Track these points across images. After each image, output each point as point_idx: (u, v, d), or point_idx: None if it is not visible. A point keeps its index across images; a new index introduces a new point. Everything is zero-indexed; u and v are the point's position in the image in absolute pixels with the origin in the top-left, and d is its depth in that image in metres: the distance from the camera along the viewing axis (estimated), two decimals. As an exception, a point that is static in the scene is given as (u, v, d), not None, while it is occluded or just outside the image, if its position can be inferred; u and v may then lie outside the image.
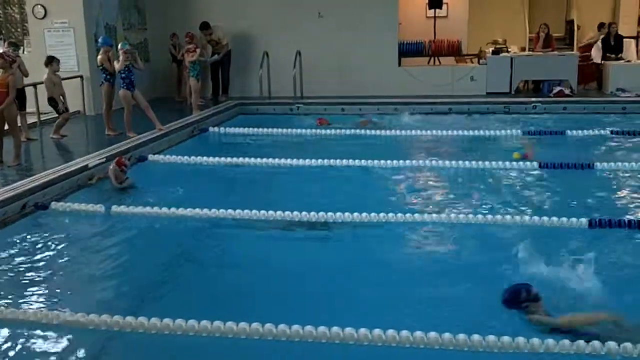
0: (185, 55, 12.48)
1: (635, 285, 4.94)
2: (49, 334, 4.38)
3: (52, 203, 7.07)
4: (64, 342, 4.30)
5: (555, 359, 3.92)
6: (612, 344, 3.90)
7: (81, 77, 12.29)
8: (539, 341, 3.97)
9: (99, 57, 10.37)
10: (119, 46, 10.23)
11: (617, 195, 7.41)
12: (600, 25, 14.47)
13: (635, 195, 7.36)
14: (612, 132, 10.31)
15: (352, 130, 10.95)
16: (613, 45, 13.90)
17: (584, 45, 14.80)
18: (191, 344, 4.24)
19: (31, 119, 10.67)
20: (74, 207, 7.02)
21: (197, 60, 12.17)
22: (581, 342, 3.93)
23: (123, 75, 9.99)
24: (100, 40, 10.86)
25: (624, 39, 14.13)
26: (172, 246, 6.11)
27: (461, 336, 4.02)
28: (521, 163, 8.39)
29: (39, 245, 6.07)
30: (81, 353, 4.21)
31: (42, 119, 11.01)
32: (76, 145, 9.68)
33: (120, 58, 9.93)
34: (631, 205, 6.97)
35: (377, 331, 4.11)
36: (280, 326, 4.20)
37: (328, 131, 10.99)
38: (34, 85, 10.56)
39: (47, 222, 6.74)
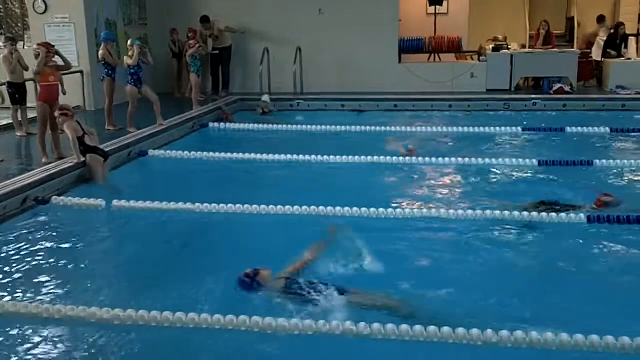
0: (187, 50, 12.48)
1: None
2: (50, 327, 4.38)
3: (53, 197, 7.08)
4: (64, 336, 4.32)
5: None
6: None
7: (81, 72, 12.29)
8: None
9: (100, 51, 10.36)
10: (129, 42, 10.23)
11: (616, 192, 7.40)
12: (600, 18, 14.44)
13: (635, 191, 7.39)
14: (611, 129, 10.33)
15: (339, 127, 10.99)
16: (618, 44, 13.89)
17: (585, 40, 14.79)
18: (191, 337, 4.26)
19: (31, 114, 10.65)
20: (75, 202, 7.03)
21: (196, 54, 12.11)
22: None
23: (132, 71, 9.99)
24: (102, 34, 10.82)
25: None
26: (172, 240, 6.13)
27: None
28: (520, 160, 8.41)
29: (39, 240, 6.07)
30: (82, 346, 4.22)
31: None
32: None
33: (134, 53, 9.92)
34: (630, 202, 6.98)
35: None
36: (279, 320, 4.24)
37: (318, 127, 11.00)
38: (34, 80, 10.52)
39: (47, 217, 6.74)
